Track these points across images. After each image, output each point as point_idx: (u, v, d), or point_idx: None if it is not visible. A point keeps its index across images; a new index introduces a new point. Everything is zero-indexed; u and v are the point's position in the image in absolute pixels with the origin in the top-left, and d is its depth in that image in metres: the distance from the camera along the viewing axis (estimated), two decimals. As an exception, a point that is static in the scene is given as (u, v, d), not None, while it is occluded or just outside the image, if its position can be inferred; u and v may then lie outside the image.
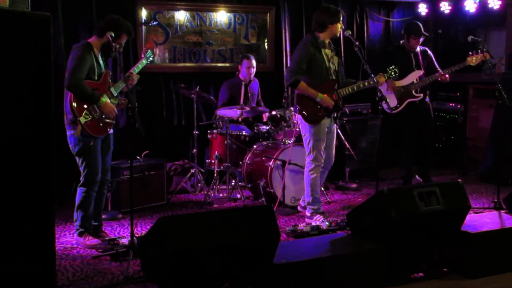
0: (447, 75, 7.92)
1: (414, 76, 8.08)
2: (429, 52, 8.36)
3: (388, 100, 7.90)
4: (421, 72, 8.11)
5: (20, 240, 3.75)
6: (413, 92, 8.08)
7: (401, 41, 8.31)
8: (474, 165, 9.68)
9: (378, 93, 6.48)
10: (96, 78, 5.82)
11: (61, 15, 7.91)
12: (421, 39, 8.17)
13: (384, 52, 8.38)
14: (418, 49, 8.26)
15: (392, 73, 6.88)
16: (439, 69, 8.11)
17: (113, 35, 5.78)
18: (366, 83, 6.74)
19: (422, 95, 8.11)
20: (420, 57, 8.22)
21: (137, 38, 8.56)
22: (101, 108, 5.76)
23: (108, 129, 5.90)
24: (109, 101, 5.83)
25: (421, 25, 8.23)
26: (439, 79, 7.95)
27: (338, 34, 6.79)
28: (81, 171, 5.91)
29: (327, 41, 6.77)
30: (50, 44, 3.79)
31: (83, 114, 5.66)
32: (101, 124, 5.81)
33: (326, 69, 6.71)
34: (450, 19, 10.32)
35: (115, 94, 5.92)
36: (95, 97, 5.72)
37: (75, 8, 7.88)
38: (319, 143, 6.72)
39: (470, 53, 7.79)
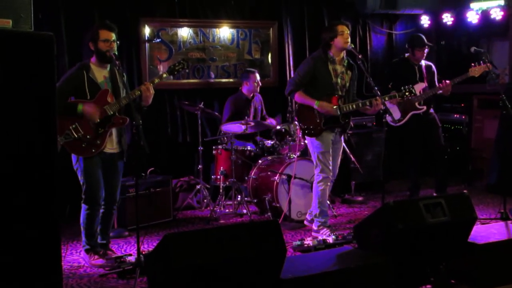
0: (449, 87, 7.88)
1: (417, 89, 8.03)
2: (434, 68, 8.33)
3: (391, 113, 7.92)
4: (424, 85, 8.07)
5: (25, 259, 3.74)
6: (416, 105, 8.06)
7: (406, 54, 8.29)
8: (479, 176, 9.67)
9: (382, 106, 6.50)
10: (88, 97, 5.75)
11: (64, 34, 7.97)
12: (426, 50, 8.14)
13: (389, 64, 8.36)
14: (423, 63, 8.23)
15: (407, 93, 6.75)
16: (437, 85, 8.07)
17: (92, 41, 5.82)
18: (367, 102, 6.68)
19: (425, 107, 8.08)
20: (424, 70, 8.19)
21: (140, 56, 8.62)
22: (82, 115, 5.67)
23: (93, 150, 5.77)
24: (87, 105, 5.70)
25: (423, 36, 8.23)
26: (441, 91, 7.91)
27: (346, 46, 6.73)
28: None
29: (338, 58, 6.79)
30: (53, 64, 3.79)
31: (64, 134, 5.58)
32: (83, 145, 5.72)
33: (331, 84, 6.72)
34: (453, 31, 10.34)
35: (110, 113, 5.78)
36: (71, 107, 5.67)
37: (78, 27, 7.92)
38: (324, 155, 6.74)
39: (473, 64, 7.77)
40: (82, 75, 5.78)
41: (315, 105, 6.64)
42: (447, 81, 7.87)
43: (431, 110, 8.29)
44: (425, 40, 8.13)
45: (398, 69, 8.21)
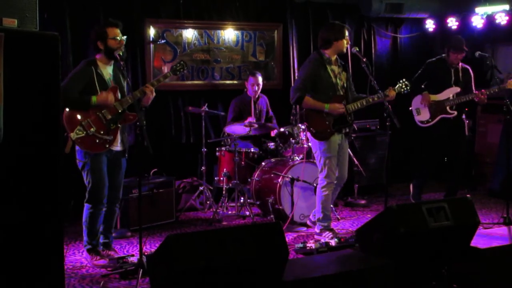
0: (485, 96, 7.78)
1: (451, 92, 7.94)
2: (471, 71, 8.16)
3: (420, 113, 7.91)
4: (458, 89, 7.94)
5: (28, 259, 3.75)
6: (448, 109, 7.95)
7: (443, 55, 8.17)
8: (483, 181, 9.65)
9: (385, 109, 6.45)
10: (98, 93, 5.75)
11: (69, 34, 7.99)
12: (462, 55, 7.98)
13: (424, 64, 8.23)
14: (460, 65, 8.10)
15: (403, 86, 6.77)
16: (474, 90, 7.96)
17: (100, 40, 5.81)
18: (375, 98, 6.68)
19: (456, 112, 8.00)
20: (460, 74, 8.07)
21: (145, 57, 8.63)
22: (98, 104, 5.69)
23: (107, 145, 5.80)
24: (99, 95, 5.74)
25: (463, 40, 8.04)
26: (476, 99, 7.83)
27: (345, 50, 6.78)
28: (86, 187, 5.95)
29: (333, 58, 6.77)
30: (59, 63, 3.80)
31: (75, 130, 5.60)
32: (97, 141, 5.74)
33: (332, 85, 6.71)
34: (458, 35, 10.30)
35: (120, 110, 5.83)
36: (85, 100, 5.67)
37: (83, 26, 7.91)
38: (331, 160, 6.71)
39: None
40: (91, 71, 5.79)
41: (326, 108, 6.63)
42: (483, 90, 7.78)
43: (463, 117, 8.17)
44: (464, 45, 7.96)
45: (433, 70, 8.09)
